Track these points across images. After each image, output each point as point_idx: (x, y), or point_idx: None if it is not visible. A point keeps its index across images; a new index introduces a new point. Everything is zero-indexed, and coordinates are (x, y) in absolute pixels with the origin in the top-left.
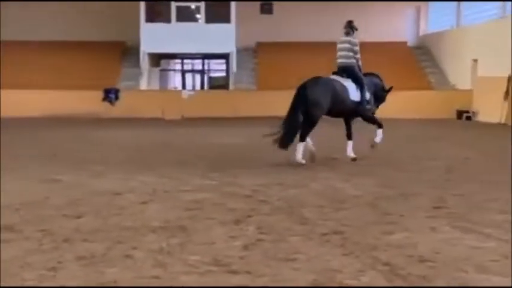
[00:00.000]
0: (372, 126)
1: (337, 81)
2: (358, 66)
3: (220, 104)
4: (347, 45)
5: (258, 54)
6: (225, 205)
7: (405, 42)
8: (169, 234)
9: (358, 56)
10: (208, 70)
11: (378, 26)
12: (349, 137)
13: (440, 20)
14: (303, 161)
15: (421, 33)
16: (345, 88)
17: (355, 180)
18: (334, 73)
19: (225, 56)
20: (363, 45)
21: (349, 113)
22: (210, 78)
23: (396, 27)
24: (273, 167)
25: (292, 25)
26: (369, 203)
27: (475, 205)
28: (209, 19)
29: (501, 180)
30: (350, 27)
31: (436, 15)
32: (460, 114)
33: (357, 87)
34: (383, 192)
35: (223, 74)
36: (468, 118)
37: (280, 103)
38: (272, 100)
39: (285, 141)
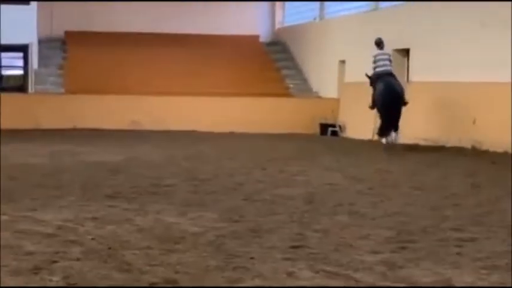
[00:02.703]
0: None
1: None
2: None
3: (15, 112)
4: (388, 57)
5: (68, 46)
6: (19, 248)
7: (257, 36)
8: None
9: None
10: (0, 66)
11: (224, 16)
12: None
13: (300, 9)
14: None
15: (277, 25)
16: None
17: (192, 212)
18: (385, 75)
19: (22, 48)
20: (204, 38)
21: None
22: (1, 77)
23: (246, 17)
24: (86, 195)
25: (113, 11)
26: (210, 242)
27: (341, 243)
28: None
29: (372, 212)
30: (383, 43)
31: (294, 4)
32: (324, 128)
33: None
34: (228, 228)
35: (20, 71)
36: (334, 133)
37: (96, 110)
38: (85, 107)
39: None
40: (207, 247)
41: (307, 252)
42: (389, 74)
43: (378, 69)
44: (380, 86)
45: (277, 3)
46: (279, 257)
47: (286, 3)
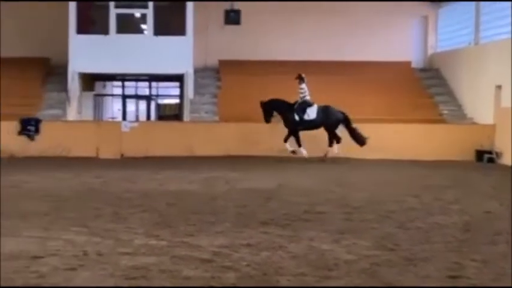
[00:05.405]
0: None
1: None
2: None
3: (171, 140)
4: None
5: (222, 75)
6: (177, 273)
7: (409, 63)
8: None
9: None
10: (157, 96)
11: (374, 42)
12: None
13: (454, 34)
14: None
15: (429, 51)
16: None
17: (346, 240)
18: (308, 104)
19: (178, 78)
20: (354, 64)
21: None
22: (158, 106)
23: (397, 43)
24: (240, 222)
25: (266, 39)
26: (364, 270)
27: (501, 273)
28: (159, 30)
29: None
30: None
31: (448, 28)
32: (480, 155)
33: None
34: (382, 256)
35: (176, 100)
36: (490, 160)
37: (249, 138)
38: (239, 135)
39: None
40: (361, 275)
41: (466, 283)
42: (309, 104)
43: (305, 98)
44: (327, 110)
45: (430, 28)
46: (435, 287)
47: (439, 28)
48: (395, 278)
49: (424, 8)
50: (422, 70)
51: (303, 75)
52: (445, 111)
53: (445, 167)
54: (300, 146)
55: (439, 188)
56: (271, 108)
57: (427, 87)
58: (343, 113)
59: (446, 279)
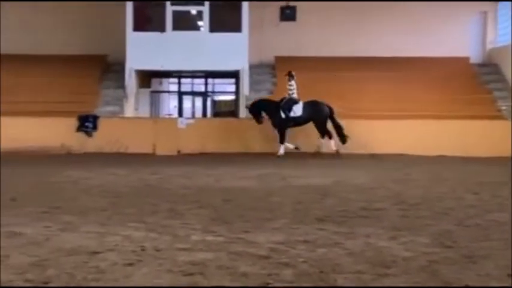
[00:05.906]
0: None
1: None
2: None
3: (227, 136)
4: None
5: (277, 72)
6: (234, 269)
7: (467, 58)
8: None
9: None
10: (213, 92)
11: (431, 37)
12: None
13: None
14: None
15: (488, 46)
16: None
17: (403, 237)
18: (294, 101)
19: (234, 74)
20: (412, 60)
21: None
22: (214, 102)
23: (456, 38)
24: (296, 218)
25: (321, 35)
26: (423, 267)
27: None
28: (214, 27)
29: None
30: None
31: (507, 23)
32: None
33: None
34: (441, 254)
35: (232, 97)
36: None
37: (305, 135)
38: (294, 132)
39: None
40: (420, 273)
41: None
42: (297, 101)
43: (293, 96)
44: (314, 105)
45: (489, 23)
46: (496, 285)
47: (499, 21)
48: (455, 276)
49: (483, 3)
50: (481, 65)
51: (293, 72)
52: (504, 107)
53: (503, 163)
54: (282, 143)
55: (497, 185)
56: (258, 110)
57: (486, 82)
58: (329, 107)
59: (507, 278)
